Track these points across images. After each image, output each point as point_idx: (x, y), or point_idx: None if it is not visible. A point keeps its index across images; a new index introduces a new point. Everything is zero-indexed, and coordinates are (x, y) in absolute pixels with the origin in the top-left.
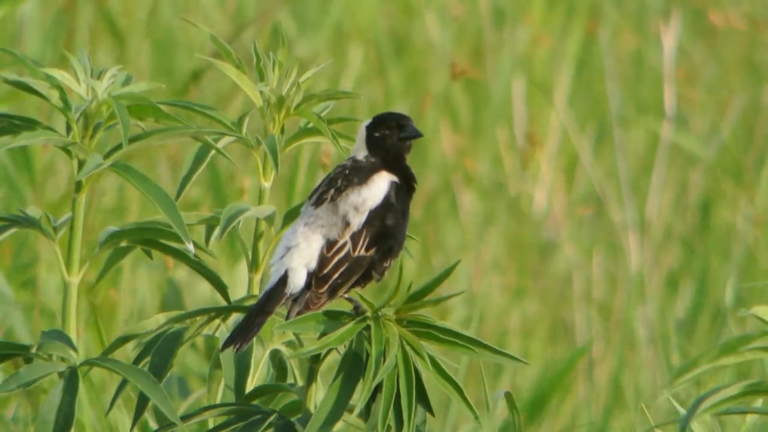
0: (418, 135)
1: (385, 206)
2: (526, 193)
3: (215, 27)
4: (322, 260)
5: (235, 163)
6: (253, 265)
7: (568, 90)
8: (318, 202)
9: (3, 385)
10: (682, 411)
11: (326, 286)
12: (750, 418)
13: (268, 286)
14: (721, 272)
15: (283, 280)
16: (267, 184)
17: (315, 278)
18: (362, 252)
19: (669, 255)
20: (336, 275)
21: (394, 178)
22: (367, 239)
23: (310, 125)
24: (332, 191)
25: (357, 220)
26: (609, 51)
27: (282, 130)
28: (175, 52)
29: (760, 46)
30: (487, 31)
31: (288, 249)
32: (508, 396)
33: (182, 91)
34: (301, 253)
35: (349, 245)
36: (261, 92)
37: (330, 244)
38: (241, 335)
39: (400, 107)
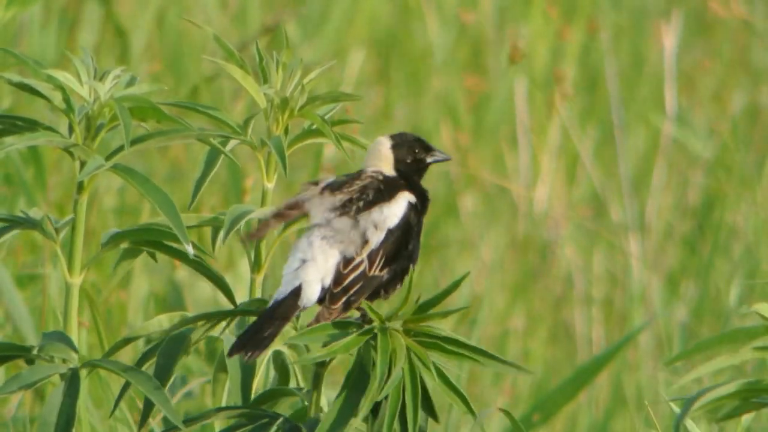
0: (448, 158)
1: (403, 227)
2: (527, 193)
3: (218, 30)
4: (338, 276)
5: (239, 165)
6: (255, 266)
7: (570, 90)
8: (342, 211)
9: (4, 387)
10: (677, 410)
11: (340, 303)
12: (745, 419)
13: (279, 296)
14: (723, 272)
15: (296, 291)
16: (270, 185)
17: (329, 294)
18: (377, 272)
19: (670, 255)
20: (351, 292)
21: (413, 198)
22: (384, 259)
23: (314, 127)
24: (361, 203)
25: (376, 238)
26: (609, 51)
27: (286, 132)
28: (181, 55)
29: (758, 39)
30: (489, 31)
31: (303, 262)
32: (507, 413)
33: (192, 94)
34: (318, 268)
35: (365, 264)
36: (265, 94)
37: (347, 260)
38: (252, 343)
39: (401, 108)
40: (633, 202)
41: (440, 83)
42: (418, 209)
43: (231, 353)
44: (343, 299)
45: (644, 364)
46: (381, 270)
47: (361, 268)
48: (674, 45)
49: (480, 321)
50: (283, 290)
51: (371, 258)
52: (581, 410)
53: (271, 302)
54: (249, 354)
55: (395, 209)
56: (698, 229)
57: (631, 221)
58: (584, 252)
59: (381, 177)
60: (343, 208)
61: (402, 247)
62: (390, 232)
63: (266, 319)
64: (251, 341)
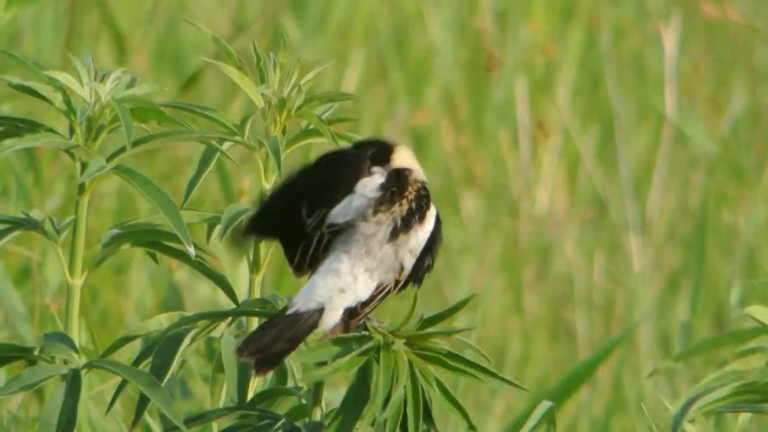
0: None
1: (431, 248)
2: (528, 195)
3: (217, 29)
4: (368, 299)
5: (239, 165)
6: (254, 266)
7: (571, 91)
8: (390, 239)
9: (5, 388)
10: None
11: (358, 318)
12: (742, 419)
13: (299, 309)
14: (723, 273)
15: (320, 313)
16: (268, 186)
17: (351, 312)
18: (397, 290)
19: (671, 256)
20: (372, 309)
21: (435, 210)
22: (407, 280)
23: (311, 127)
24: (405, 225)
25: (408, 266)
26: (610, 52)
27: (283, 132)
28: (178, 54)
29: (758, 41)
30: (490, 32)
31: (343, 291)
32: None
33: (182, 93)
34: (354, 297)
35: (391, 286)
36: (262, 94)
37: (380, 286)
38: (264, 358)
39: (402, 109)
40: (634, 203)
41: (441, 84)
42: (440, 221)
43: (240, 353)
44: (362, 317)
45: (644, 364)
46: (401, 289)
47: (387, 289)
48: (674, 46)
49: (480, 321)
50: (306, 306)
51: (398, 282)
52: (581, 410)
53: (290, 310)
54: (258, 368)
55: (426, 228)
56: (699, 229)
57: (632, 222)
58: (585, 253)
59: (423, 186)
60: (393, 235)
61: (425, 267)
62: (419, 258)
63: (283, 334)
64: (264, 354)
